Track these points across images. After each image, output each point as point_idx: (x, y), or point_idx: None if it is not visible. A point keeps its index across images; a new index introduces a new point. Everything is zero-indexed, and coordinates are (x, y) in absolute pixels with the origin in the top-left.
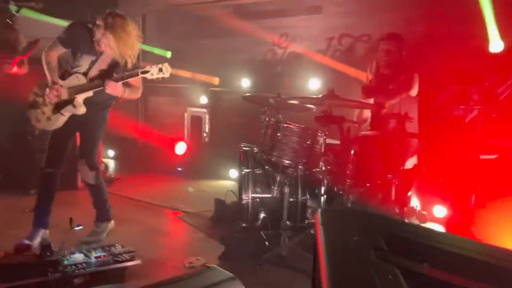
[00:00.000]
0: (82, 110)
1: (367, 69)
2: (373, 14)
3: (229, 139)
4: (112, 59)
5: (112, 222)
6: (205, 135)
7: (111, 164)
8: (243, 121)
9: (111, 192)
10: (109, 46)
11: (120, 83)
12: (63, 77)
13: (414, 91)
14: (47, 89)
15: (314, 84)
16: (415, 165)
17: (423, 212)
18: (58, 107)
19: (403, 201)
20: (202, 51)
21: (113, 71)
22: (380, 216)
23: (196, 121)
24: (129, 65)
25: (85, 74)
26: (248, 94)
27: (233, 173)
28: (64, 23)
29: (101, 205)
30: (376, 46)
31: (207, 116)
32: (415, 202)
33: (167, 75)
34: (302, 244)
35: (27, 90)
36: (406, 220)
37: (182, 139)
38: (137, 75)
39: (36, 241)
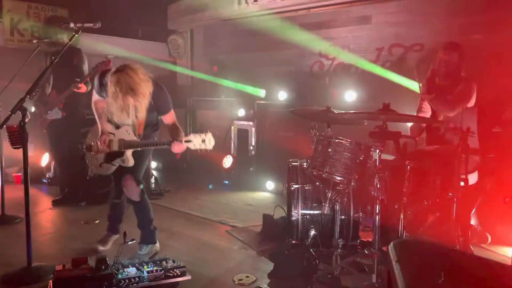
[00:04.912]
0: (130, 163)
1: (418, 78)
2: (426, 23)
3: (276, 152)
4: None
5: (157, 245)
6: (251, 148)
7: (157, 175)
8: (290, 134)
9: (161, 205)
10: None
11: (183, 143)
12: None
13: (472, 102)
14: (99, 136)
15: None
16: (478, 182)
17: (487, 234)
18: (109, 158)
19: (465, 220)
20: (248, 64)
21: (152, 128)
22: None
23: (243, 134)
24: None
25: (133, 126)
26: (294, 108)
27: (270, 185)
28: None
29: (146, 225)
30: (433, 56)
31: (253, 129)
32: (476, 221)
33: (209, 147)
34: (356, 264)
35: (87, 107)
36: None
37: (229, 152)
38: (181, 142)
39: (108, 246)
